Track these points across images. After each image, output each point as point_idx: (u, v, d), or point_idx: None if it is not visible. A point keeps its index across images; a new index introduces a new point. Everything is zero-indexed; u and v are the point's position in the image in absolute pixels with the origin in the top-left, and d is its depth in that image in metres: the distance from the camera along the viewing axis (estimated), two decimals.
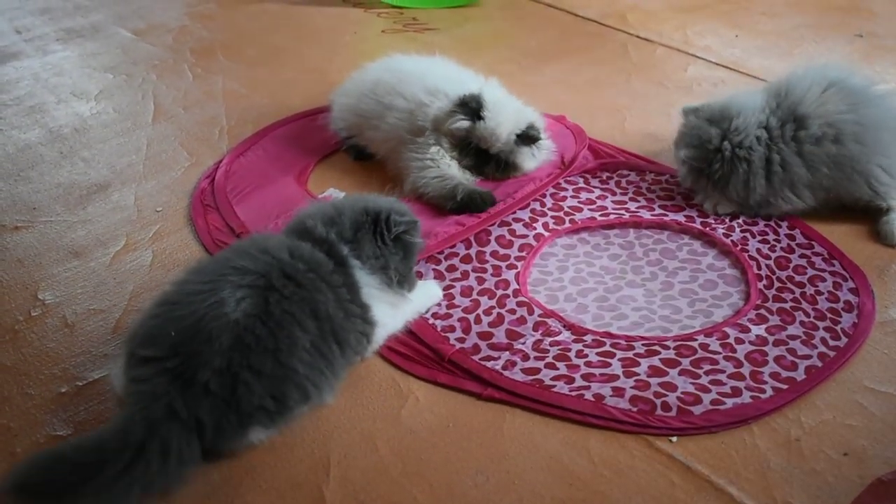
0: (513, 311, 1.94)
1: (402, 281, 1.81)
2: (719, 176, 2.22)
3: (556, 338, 1.86)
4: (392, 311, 1.81)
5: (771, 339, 1.84)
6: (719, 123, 2.24)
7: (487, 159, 2.36)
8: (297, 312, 1.56)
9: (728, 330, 1.86)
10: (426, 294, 1.93)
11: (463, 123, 2.31)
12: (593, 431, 1.63)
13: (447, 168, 2.32)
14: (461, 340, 1.85)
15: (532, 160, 2.39)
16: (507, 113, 2.33)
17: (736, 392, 1.69)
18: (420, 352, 1.82)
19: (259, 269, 1.57)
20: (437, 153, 2.33)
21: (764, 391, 1.69)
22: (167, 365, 1.46)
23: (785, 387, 1.71)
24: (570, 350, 1.82)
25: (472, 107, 2.30)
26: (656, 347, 1.82)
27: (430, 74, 2.48)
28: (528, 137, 2.33)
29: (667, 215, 2.29)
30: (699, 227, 2.23)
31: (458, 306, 1.95)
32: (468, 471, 1.55)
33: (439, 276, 2.05)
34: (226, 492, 1.51)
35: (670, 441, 1.60)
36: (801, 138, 2.17)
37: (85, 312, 1.96)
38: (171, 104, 3.00)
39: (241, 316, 1.50)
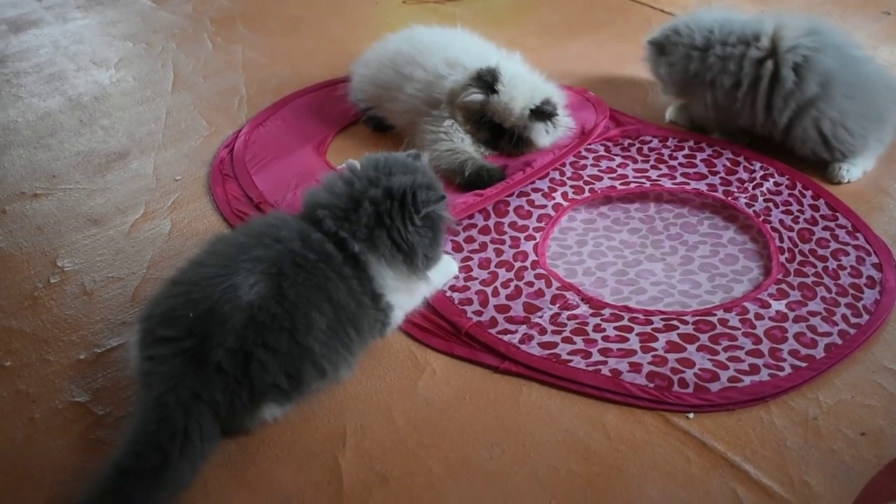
0: (531, 284, 1.93)
1: (430, 265, 1.78)
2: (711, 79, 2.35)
3: (574, 311, 1.85)
4: (409, 296, 1.79)
5: (791, 315, 1.82)
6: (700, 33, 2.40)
7: (501, 134, 2.34)
8: (311, 296, 1.55)
9: (748, 305, 1.85)
10: (443, 270, 1.91)
11: (476, 97, 2.29)
12: (610, 406, 1.63)
13: (459, 142, 2.31)
14: (478, 314, 1.84)
15: (546, 136, 2.36)
16: (522, 87, 2.30)
17: (754, 369, 1.68)
18: (437, 324, 1.82)
19: (272, 258, 1.56)
20: (450, 126, 2.32)
21: (783, 369, 1.68)
22: (183, 345, 1.46)
23: (804, 365, 1.69)
24: (587, 324, 1.81)
25: (486, 80, 2.28)
26: (675, 322, 1.81)
27: (451, 47, 2.45)
28: (542, 113, 2.31)
29: (688, 184, 2.27)
30: (721, 196, 2.21)
31: (476, 279, 1.95)
32: (484, 443, 1.55)
33: (457, 248, 2.04)
34: (242, 460, 1.52)
35: (687, 417, 1.60)
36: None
37: (103, 280, 1.97)
38: (190, 73, 2.99)
39: (256, 298, 1.49)
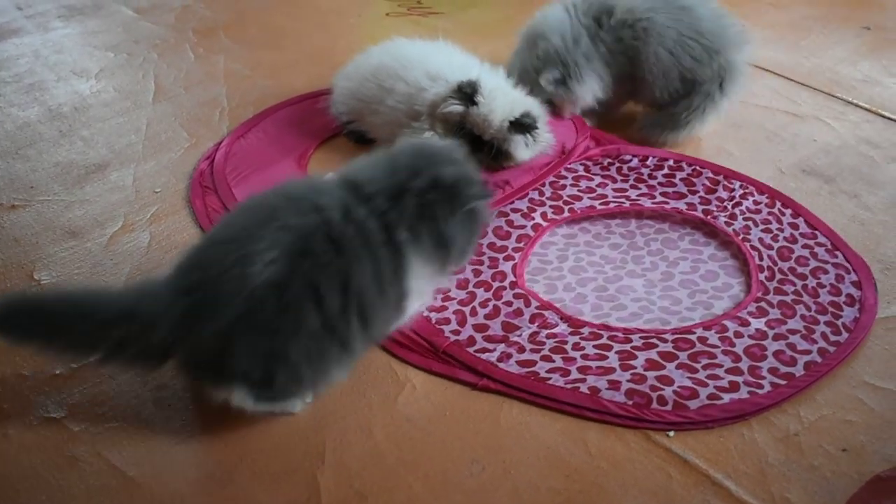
0: (509, 304, 1.92)
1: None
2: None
3: (553, 330, 1.84)
4: (417, 303, 1.73)
5: (771, 333, 1.82)
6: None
7: (481, 146, 2.32)
8: (322, 284, 1.45)
9: (727, 323, 1.85)
10: None
11: (456, 108, 2.28)
12: (591, 423, 1.62)
13: None
14: (456, 333, 1.83)
15: (525, 150, 2.34)
16: (502, 100, 2.29)
17: (733, 387, 1.68)
18: (415, 341, 1.81)
19: (302, 230, 1.45)
20: (430, 138, 2.31)
21: (762, 386, 1.68)
22: (182, 301, 1.42)
23: (783, 382, 1.69)
24: (566, 342, 1.81)
25: (466, 92, 2.27)
26: (654, 340, 1.81)
27: (433, 59, 2.44)
28: (521, 125, 2.30)
29: (668, 203, 2.27)
30: (701, 215, 2.21)
31: (454, 298, 1.94)
32: (464, 460, 1.55)
33: None
34: (219, 477, 1.50)
35: (668, 435, 1.59)
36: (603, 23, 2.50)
37: None
38: (171, 84, 2.98)
39: (261, 285, 1.40)
